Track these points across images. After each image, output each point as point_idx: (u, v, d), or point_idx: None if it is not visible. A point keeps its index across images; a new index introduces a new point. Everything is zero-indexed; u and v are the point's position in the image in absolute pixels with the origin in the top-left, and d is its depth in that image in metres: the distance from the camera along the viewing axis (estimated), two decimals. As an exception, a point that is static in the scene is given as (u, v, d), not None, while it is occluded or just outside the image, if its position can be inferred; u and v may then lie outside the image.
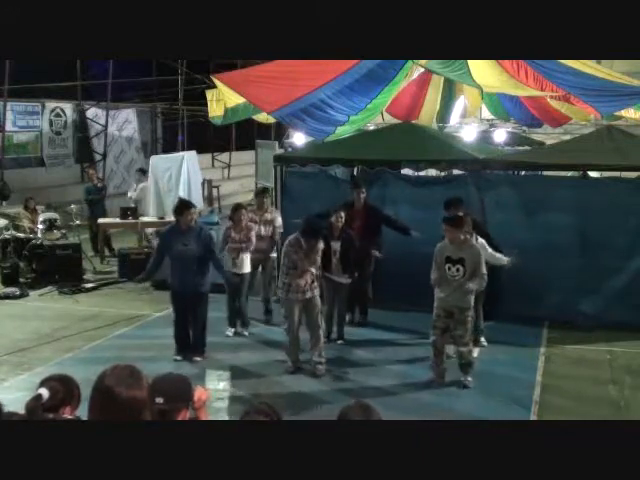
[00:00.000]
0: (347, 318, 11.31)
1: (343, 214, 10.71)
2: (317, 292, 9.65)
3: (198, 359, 10.01)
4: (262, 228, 11.60)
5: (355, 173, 15.20)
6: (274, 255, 12.02)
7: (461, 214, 9.73)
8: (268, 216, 11.80)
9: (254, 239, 11.08)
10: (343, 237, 10.57)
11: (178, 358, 9.99)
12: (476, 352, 9.80)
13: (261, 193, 12.37)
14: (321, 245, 9.61)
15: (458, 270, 9.02)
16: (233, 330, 11.21)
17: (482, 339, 10.69)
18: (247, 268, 11.15)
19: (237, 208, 11.31)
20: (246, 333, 11.24)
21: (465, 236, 9.21)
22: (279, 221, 11.91)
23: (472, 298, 9.17)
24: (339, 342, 10.83)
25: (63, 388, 4.13)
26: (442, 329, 9.19)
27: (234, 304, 11.16)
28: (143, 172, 18.09)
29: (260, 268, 11.81)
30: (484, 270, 9.13)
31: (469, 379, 9.19)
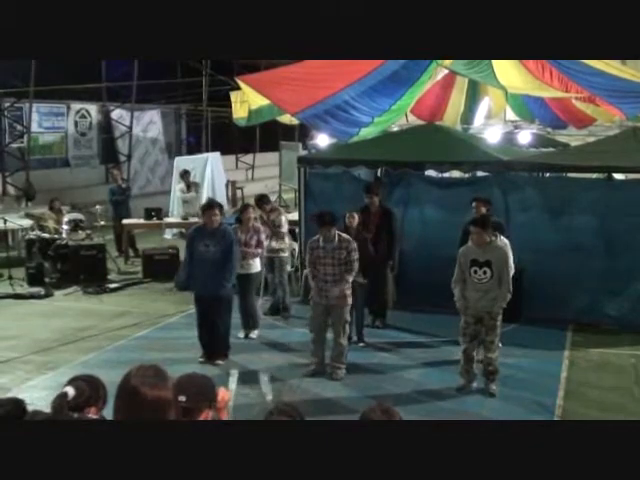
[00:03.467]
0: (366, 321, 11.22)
1: (356, 215, 10.72)
2: (347, 301, 9.44)
3: (220, 362, 9.97)
4: (269, 230, 11.71)
5: (379, 174, 15.18)
6: (285, 255, 12.07)
7: (486, 213, 9.66)
8: (272, 215, 11.94)
9: (264, 241, 11.10)
10: (358, 238, 10.44)
11: (202, 360, 9.97)
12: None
13: (261, 198, 12.46)
14: (349, 243, 9.35)
15: (485, 273, 8.76)
16: (244, 332, 11.10)
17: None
18: (253, 268, 11.02)
19: (244, 208, 11.31)
20: (253, 336, 11.09)
21: (491, 237, 8.93)
22: (282, 220, 12.01)
23: (501, 300, 8.89)
24: (360, 345, 10.76)
25: (89, 388, 4.14)
26: (472, 336, 8.99)
27: (241, 306, 11.07)
28: (187, 173, 18.10)
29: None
30: (510, 275, 8.93)
31: (494, 387, 9.00)
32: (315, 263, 9.39)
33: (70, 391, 3.91)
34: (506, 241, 9.65)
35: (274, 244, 11.80)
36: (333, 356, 9.54)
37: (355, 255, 9.32)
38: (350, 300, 9.48)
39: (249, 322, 11.14)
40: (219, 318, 9.95)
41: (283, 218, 12.08)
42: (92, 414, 4.12)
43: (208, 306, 9.88)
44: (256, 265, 11.07)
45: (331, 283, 9.30)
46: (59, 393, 3.87)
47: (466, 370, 9.10)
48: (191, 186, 17.65)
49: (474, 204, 10.66)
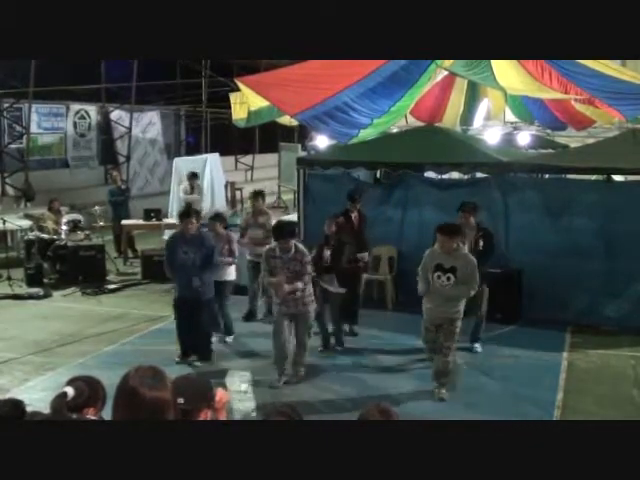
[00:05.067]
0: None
1: (335, 222, 10.68)
2: (308, 308, 9.36)
3: (198, 364, 10.00)
4: (259, 232, 11.62)
5: (378, 176, 15.20)
6: None
7: (459, 222, 9.65)
8: (261, 219, 11.79)
9: (236, 250, 10.97)
10: (333, 245, 10.45)
11: (178, 360, 10.00)
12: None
13: (255, 196, 12.40)
14: (303, 255, 9.24)
15: (449, 279, 8.62)
16: (217, 336, 10.98)
17: (477, 345, 10.60)
18: (227, 276, 10.92)
19: (211, 219, 11.29)
20: (228, 340, 11.01)
21: (458, 244, 8.78)
22: (272, 224, 11.85)
23: (462, 308, 8.84)
24: (338, 348, 10.72)
25: (88, 388, 4.14)
26: (433, 341, 8.95)
27: (219, 310, 10.99)
28: (196, 176, 18.08)
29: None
30: (477, 280, 8.78)
31: (443, 391, 8.86)
32: (272, 272, 9.26)
33: (69, 392, 3.91)
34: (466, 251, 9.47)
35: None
36: (296, 359, 9.46)
37: (308, 269, 9.24)
38: (313, 307, 9.41)
39: (223, 328, 11.07)
40: (199, 322, 10.03)
41: (273, 222, 11.96)
42: (91, 415, 4.12)
43: (188, 310, 9.99)
44: (229, 273, 11.00)
45: (290, 293, 9.17)
46: (58, 394, 3.87)
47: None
48: (195, 188, 17.67)
49: (460, 214, 10.45)
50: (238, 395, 9.03)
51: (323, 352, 10.53)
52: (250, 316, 12.07)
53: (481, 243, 10.17)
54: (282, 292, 9.16)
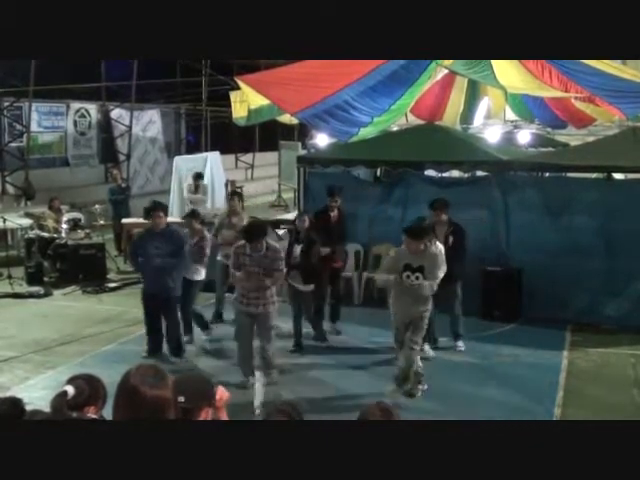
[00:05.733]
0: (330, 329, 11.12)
1: (307, 218, 10.59)
2: (270, 309, 9.14)
3: (176, 360, 9.96)
4: (231, 233, 11.23)
5: (378, 174, 15.21)
6: None
7: (432, 219, 9.68)
8: (235, 220, 11.46)
9: (207, 249, 10.80)
10: (305, 242, 10.37)
11: (145, 355, 9.97)
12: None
13: (231, 196, 12.31)
14: (275, 252, 9.10)
15: (418, 278, 8.63)
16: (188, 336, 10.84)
17: (459, 343, 10.55)
18: (196, 276, 10.72)
19: (188, 215, 11.33)
20: (186, 338, 10.69)
21: (425, 244, 8.74)
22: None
23: (430, 306, 8.83)
24: (324, 344, 10.75)
25: (89, 387, 4.14)
26: (403, 342, 8.85)
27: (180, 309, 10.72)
28: (200, 176, 18.06)
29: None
30: (437, 275, 8.73)
31: (419, 387, 8.85)
32: (240, 269, 9.09)
33: (70, 390, 3.90)
34: (441, 247, 9.38)
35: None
36: (262, 364, 9.16)
37: (279, 265, 9.11)
38: (275, 308, 9.22)
39: (185, 327, 10.84)
40: (168, 318, 10.04)
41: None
42: (91, 413, 4.12)
43: (157, 305, 9.98)
44: (199, 273, 10.80)
45: (254, 292, 9.02)
46: (58, 392, 3.87)
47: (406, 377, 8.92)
48: (200, 188, 17.68)
49: (433, 211, 10.44)
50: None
51: (293, 352, 10.44)
52: (217, 317, 11.83)
53: (451, 239, 10.14)
54: (243, 289, 9.07)
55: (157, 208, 10.15)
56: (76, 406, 3.96)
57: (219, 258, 11.42)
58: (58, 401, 3.79)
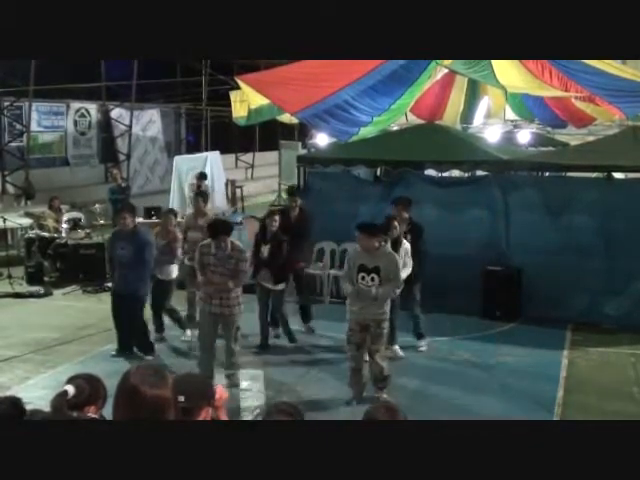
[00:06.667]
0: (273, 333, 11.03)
1: (277, 217, 10.55)
2: (235, 310, 9.04)
3: (149, 358, 10.00)
4: (198, 234, 10.91)
5: (378, 174, 15.21)
6: None
7: (388, 219, 9.67)
8: (201, 221, 11.20)
9: (178, 250, 10.80)
10: (272, 242, 10.37)
11: (114, 353, 10.08)
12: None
13: (195, 197, 12.28)
14: (240, 253, 9.06)
15: (373, 280, 8.32)
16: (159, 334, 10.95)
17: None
18: (166, 275, 10.74)
19: (166, 213, 11.39)
20: (157, 336, 10.83)
21: (380, 243, 8.49)
22: None
23: (388, 308, 8.59)
24: (292, 344, 10.78)
25: (89, 387, 4.15)
26: (357, 344, 8.55)
27: (151, 307, 10.86)
28: (204, 176, 18.06)
29: None
30: (400, 278, 8.65)
31: (384, 396, 8.55)
32: (204, 269, 9.08)
33: (70, 390, 3.91)
34: (407, 246, 9.41)
35: None
36: (227, 364, 9.18)
37: (244, 266, 9.08)
38: (240, 308, 9.12)
39: (156, 326, 10.98)
40: (133, 317, 10.08)
41: None
42: (92, 413, 4.12)
43: (123, 304, 10.06)
44: (170, 272, 10.81)
45: (219, 292, 8.95)
46: (59, 392, 3.87)
47: (355, 382, 8.73)
48: (202, 187, 17.68)
49: (394, 208, 10.42)
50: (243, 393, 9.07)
51: (258, 353, 10.43)
52: (190, 319, 11.54)
53: (408, 237, 10.09)
54: (207, 290, 9.04)
55: (123, 209, 10.32)
56: (76, 406, 3.97)
57: (187, 262, 11.02)
58: (58, 401, 3.80)
